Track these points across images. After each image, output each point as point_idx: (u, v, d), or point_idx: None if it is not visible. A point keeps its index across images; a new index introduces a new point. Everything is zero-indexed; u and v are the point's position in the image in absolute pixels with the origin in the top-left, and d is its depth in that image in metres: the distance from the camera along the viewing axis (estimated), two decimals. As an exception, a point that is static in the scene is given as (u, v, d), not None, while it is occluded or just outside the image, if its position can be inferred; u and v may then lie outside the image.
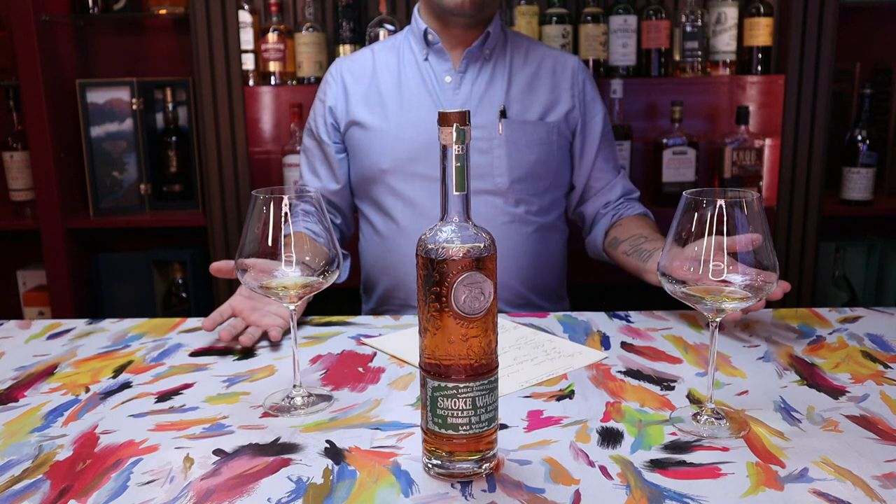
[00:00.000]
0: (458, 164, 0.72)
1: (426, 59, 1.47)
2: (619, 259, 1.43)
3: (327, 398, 0.96)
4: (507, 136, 1.44)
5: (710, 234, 0.81)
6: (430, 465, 0.78)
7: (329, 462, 0.81)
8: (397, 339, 1.16)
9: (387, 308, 1.52)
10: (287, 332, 1.17)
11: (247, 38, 2.11)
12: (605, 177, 1.52)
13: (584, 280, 1.61)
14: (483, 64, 1.46)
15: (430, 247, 0.73)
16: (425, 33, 1.45)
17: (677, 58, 2.09)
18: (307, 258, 0.92)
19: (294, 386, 0.95)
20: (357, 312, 1.53)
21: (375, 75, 1.49)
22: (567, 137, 1.51)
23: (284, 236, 0.89)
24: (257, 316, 1.17)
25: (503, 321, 1.23)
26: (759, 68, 2.08)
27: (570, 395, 0.96)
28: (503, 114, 1.44)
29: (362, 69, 1.51)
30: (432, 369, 0.75)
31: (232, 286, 2.12)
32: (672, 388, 0.98)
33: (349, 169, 1.53)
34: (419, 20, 1.47)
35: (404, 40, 1.51)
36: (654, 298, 1.28)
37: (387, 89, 1.47)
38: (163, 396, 0.98)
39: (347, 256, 1.48)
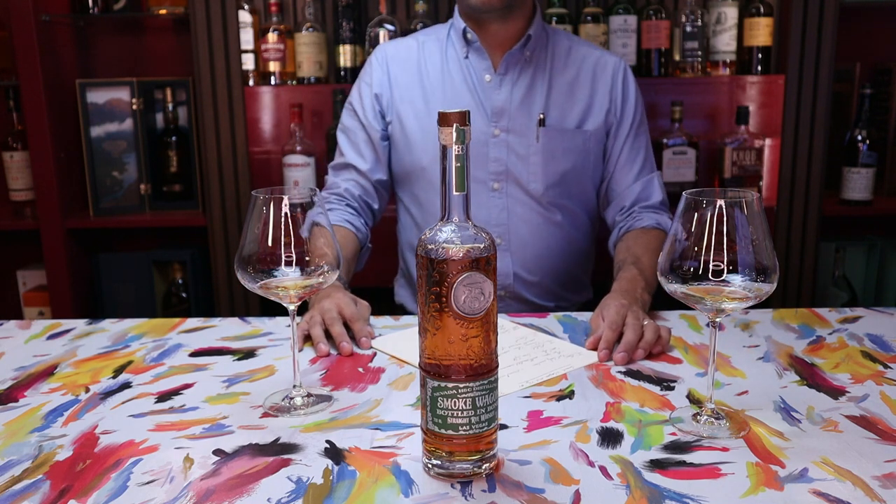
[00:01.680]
0: (458, 165, 0.73)
1: (466, 57, 1.47)
2: None
3: (327, 398, 0.96)
4: (545, 144, 1.45)
5: (710, 234, 0.81)
6: (430, 465, 0.78)
7: (329, 462, 0.81)
8: (397, 339, 1.16)
9: None
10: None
11: (247, 38, 2.11)
12: (625, 179, 1.50)
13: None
14: (523, 67, 1.45)
15: (430, 247, 0.73)
16: (464, 32, 1.45)
17: (677, 58, 2.09)
18: (307, 258, 0.92)
19: (294, 386, 0.95)
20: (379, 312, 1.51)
21: (419, 68, 1.49)
22: (603, 142, 1.50)
23: (287, 228, 0.89)
24: (361, 323, 1.16)
25: (503, 321, 1.23)
26: (759, 68, 2.08)
27: (570, 395, 0.96)
28: (542, 122, 1.44)
29: (407, 59, 1.50)
30: (432, 369, 0.75)
31: (232, 287, 2.12)
32: (672, 389, 0.98)
33: (390, 157, 1.53)
34: (458, 18, 1.46)
35: (448, 35, 1.50)
36: (654, 298, 1.28)
37: (430, 86, 1.47)
38: (163, 396, 0.98)
39: (369, 249, 1.48)
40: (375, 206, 1.54)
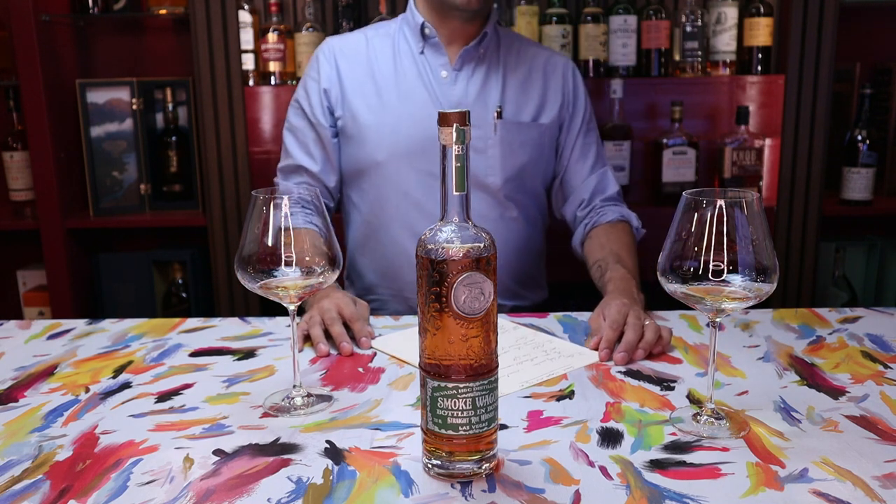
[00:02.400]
0: (458, 165, 0.73)
1: (422, 53, 1.46)
2: (594, 281, 1.42)
3: (327, 398, 0.96)
4: (502, 136, 1.45)
5: (710, 234, 0.81)
6: (430, 466, 0.78)
7: (329, 462, 0.81)
8: (397, 339, 1.16)
9: (374, 297, 1.53)
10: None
11: (247, 38, 2.11)
12: (581, 173, 1.52)
13: (581, 279, 1.61)
14: (478, 63, 1.46)
15: (430, 247, 0.73)
16: (422, 27, 1.45)
17: (677, 58, 2.09)
18: (308, 258, 0.92)
19: (294, 386, 0.95)
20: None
21: (370, 63, 1.47)
22: (556, 137, 1.52)
23: (286, 229, 0.89)
24: (361, 323, 1.16)
25: (503, 321, 1.23)
26: (759, 68, 2.08)
27: (570, 395, 0.96)
28: (499, 114, 1.45)
29: (356, 53, 1.49)
30: (432, 369, 0.75)
31: (232, 287, 2.12)
32: (672, 389, 0.98)
33: (340, 154, 1.52)
34: (416, 13, 1.45)
35: (399, 30, 1.49)
36: (654, 299, 1.28)
37: (383, 80, 1.46)
38: (163, 396, 0.98)
39: None
40: (331, 205, 1.53)
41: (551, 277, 1.67)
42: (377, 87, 1.46)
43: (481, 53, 1.46)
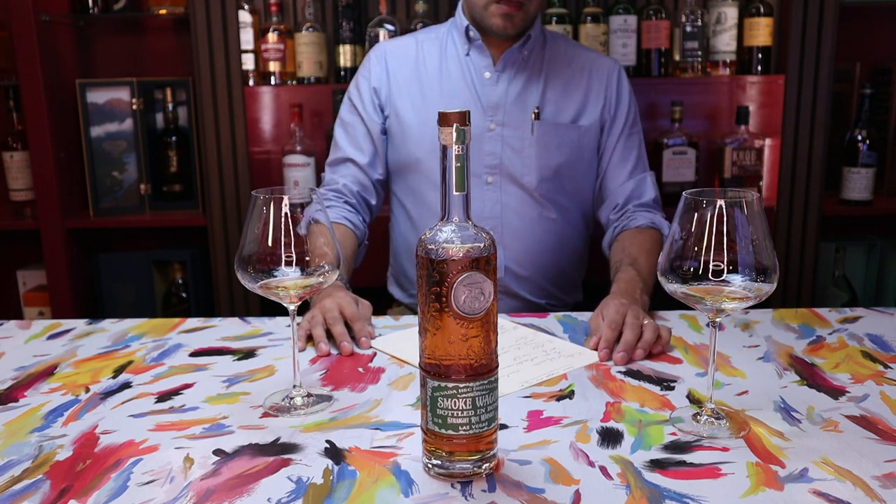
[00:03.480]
0: (458, 165, 0.73)
1: (467, 55, 1.49)
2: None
3: (327, 398, 0.96)
4: (539, 137, 1.46)
5: (710, 234, 0.81)
6: (430, 465, 0.78)
7: (329, 462, 0.81)
8: (397, 339, 1.16)
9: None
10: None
11: (247, 38, 2.11)
12: (618, 177, 1.52)
13: (600, 279, 1.61)
14: (521, 65, 1.48)
15: (430, 247, 0.73)
16: (467, 30, 1.47)
17: (677, 58, 2.09)
18: (307, 257, 0.92)
19: (294, 386, 0.95)
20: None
21: (418, 65, 1.51)
22: (598, 139, 1.52)
23: (287, 228, 0.89)
24: (361, 323, 1.17)
25: (503, 321, 1.23)
26: (759, 68, 2.08)
27: (570, 395, 0.96)
28: (537, 115, 1.46)
29: (405, 55, 1.53)
30: (432, 369, 0.75)
31: (232, 287, 2.12)
32: (672, 389, 0.98)
33: (387, 153, 1.55)
34: (462, 16, 1.48)
35: (448, 33, 1.53)
36: (654, 299, 1.28)
37: (428, 81, 1.49)
38: (163, 396, 0.98)
39: (366, 247, 1.52)
40: (373, 202, 1.55)
41: (594, 278, 1.67)
42: (422, 88, 1.49)
43: (525, 55, 1.48)
